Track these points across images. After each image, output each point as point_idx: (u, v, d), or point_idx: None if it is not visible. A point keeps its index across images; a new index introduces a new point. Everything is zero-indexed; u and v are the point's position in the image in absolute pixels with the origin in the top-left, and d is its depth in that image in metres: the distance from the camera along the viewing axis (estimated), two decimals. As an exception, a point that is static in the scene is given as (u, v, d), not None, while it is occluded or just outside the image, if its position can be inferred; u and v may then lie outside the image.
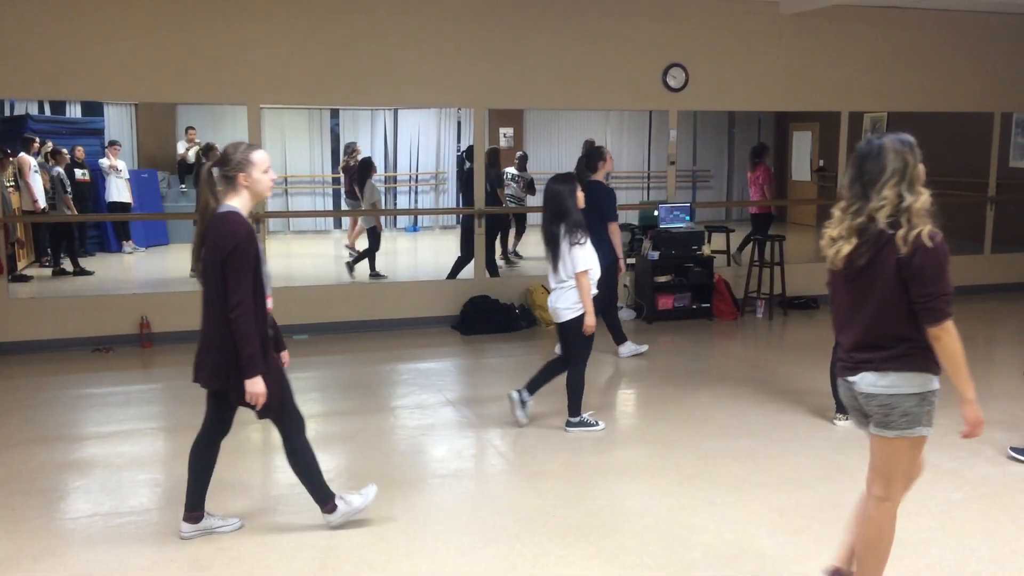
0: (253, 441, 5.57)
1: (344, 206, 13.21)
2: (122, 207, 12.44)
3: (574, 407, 5.50)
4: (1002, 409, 5.87)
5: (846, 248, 3.00)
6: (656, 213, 8.96)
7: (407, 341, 8.02)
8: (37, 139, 11.56)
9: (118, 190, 12.42)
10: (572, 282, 5.27)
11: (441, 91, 8.37)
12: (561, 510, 4.31)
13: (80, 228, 12.80)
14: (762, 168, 11.08)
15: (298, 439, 3.99)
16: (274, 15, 7.74)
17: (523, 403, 5.53)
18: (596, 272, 5.31)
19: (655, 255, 8.63)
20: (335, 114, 16.07)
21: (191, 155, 14.39)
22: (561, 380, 5.51)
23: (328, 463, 5.00)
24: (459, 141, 16.56)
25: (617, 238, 7.01)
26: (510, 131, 16.50)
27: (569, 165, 17.05)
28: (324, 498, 4.05)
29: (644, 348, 7.49)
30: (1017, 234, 10.81)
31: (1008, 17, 9.76)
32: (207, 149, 11.78)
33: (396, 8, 8.05)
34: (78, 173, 12.23)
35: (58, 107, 13.93)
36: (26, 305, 8.04)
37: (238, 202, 3.72)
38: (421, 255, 13.29)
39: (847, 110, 9.65)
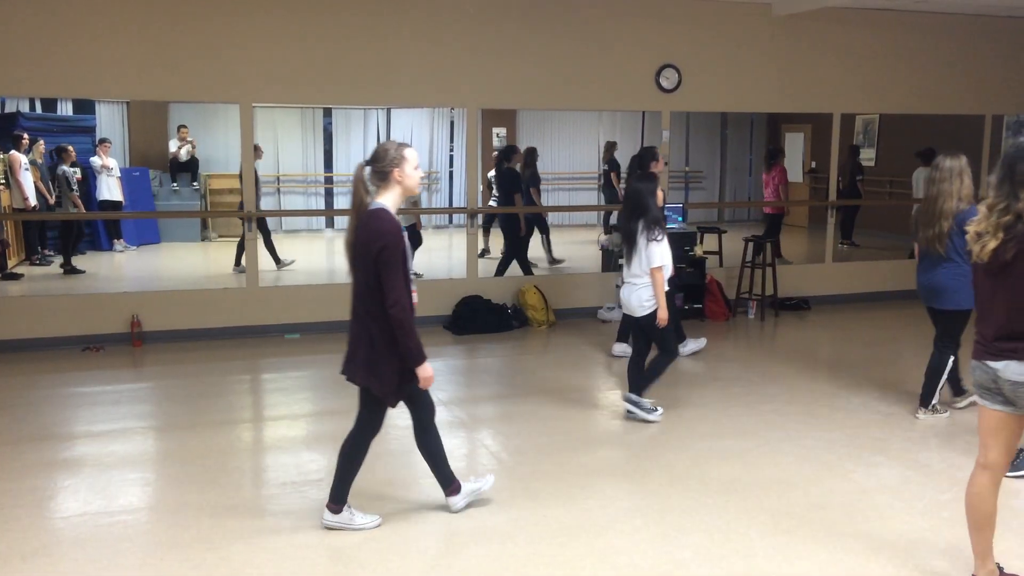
0: (243, 440, 5.56)
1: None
2: (113, 205, 12.39)
3: (644, 386, 5.69)
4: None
5: (992, 243, 3.23)
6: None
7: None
8: (27, 136, 11.50)
9: (109, 189, 12.37)
10: (647, 278, 5.48)
11: (434, 91, 8.36)
12: (552, 510, 4.31)
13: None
14: (778, 169, 11.17)
15: (430, 428, 4.15)
16: (267, 13, 7.72)
17: (638, 404, 5.68)
18: (669, 269, 5.53)
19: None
20: (328, 113, 16.04)
21: (183, 153, 14.35)
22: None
23: (319, 462, 5.01)
24: (452, 141, 16.56)
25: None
26: (503, 131, 16.50)
27: (565, 165, 17.17)
28: (448, 482, 4.22)
29: (702, 342, 7.55)
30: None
31: (999, 20, 9.80)
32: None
33: (390, 7, 8.03)
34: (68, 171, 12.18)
35: (49, 104, 13.87)
36: (16, 303, 8.01)
37: (389, 198, 3.89)
38: (417, 254, 13.28)
39: (839, 112, 9.67)
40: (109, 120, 14.59)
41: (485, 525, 4.15)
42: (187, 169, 14.47)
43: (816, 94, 9.49)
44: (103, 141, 12.74)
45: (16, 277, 10.60)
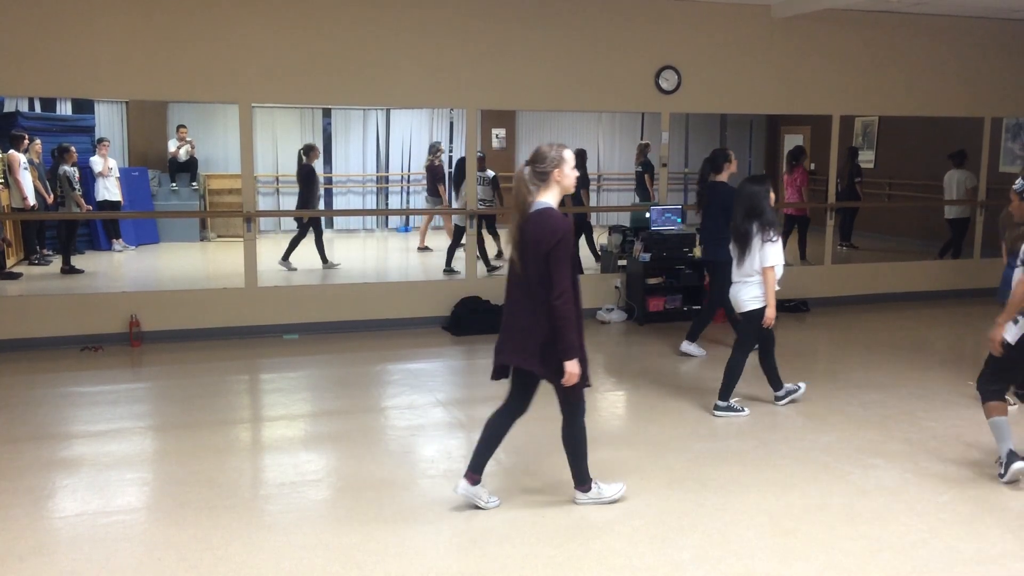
0: (244, 440, 5.55)
1: (424, 204, 13.48)
2: (112, 206, 12.38)
3: (726, 391, 5.85)
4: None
5: None
6: (648, 215, 8.98)
7: (398, 341, 8.01)
8: (27, 136, 11.49)
9: (107, 188, 12.36)
10: (757, 277, 5.64)
11: (433, 91, 8.36)
12: (551, 511, 4.31)
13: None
14: (799, 171, 11.20)
15: (579, 420, 4.28)
16: (266, 13, 7.72)
17: (789, 393, 6.01)
18: (781, 269, 5.65)
19: (646, 257, 8.64)
20: (327, 113, 16.03)
21: (182, 153, 14.34)
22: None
23: (317, 462, 5.00)
24: (451, 141, 16.54)
25: None
26: (502, 132, 16.51)
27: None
28: (582, 480, 4.35)
29: (704, 354, 7.51)
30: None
31: (999, 23, 9.81)
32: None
33: (389, 8, 8.03)
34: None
35: (48, 104, 13.86)
36: (14, 303, 7.99)
37: (550, 197, 4.07)
38: (412, 255, 13.27)
39: (838, 114, 9.68)
40: (108, 120, 14.59)
41: (483, 526, 4.14)
42: (186, 169, 14.46)
43: (815, 96, 9.50)
44: (102, 141, 12.73)
45: (15, 276, 10.59)
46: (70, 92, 9.77)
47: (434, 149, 13.07)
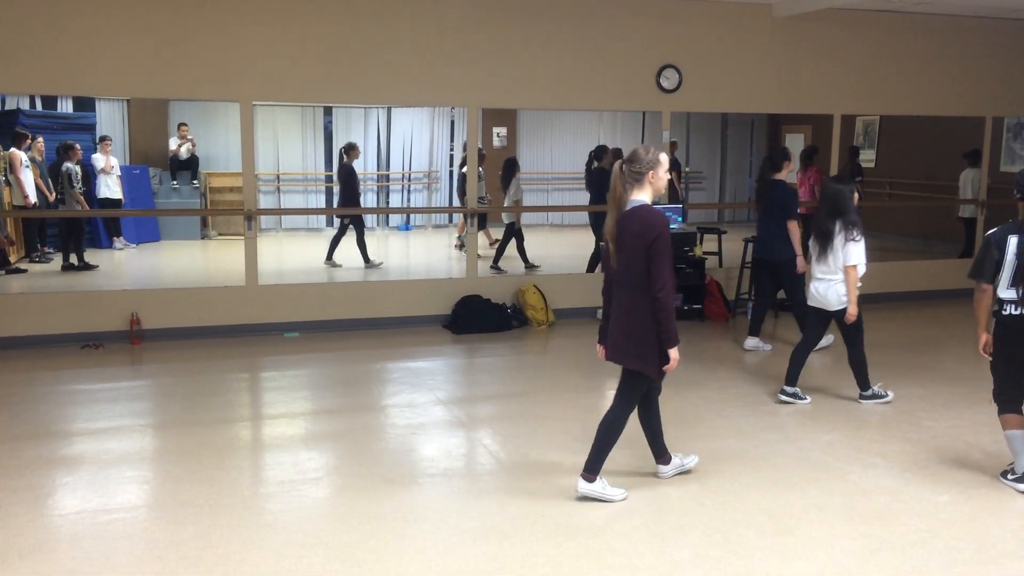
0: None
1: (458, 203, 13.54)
2: (113, 203, 12.39)
3: (863, 382, 6.10)
4: (989, 412, 5.87)
5: None
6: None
7: (398, 340, 8.01)
8: (29, 134, 11.50)
9: (108, 187, 12.37)
10: (841, 275, 5.79)
11: (435, 90, 8.36)
12: (550, 510, 4.31)
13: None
14: (813, 170, 11.21)
15: (625, 414, 4.45)
16: (268, 12, 7.71)
17: (795, 396, 6.08)
18: (863, 268, 5.80)
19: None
20: (328, 112, 16.03)
21: (183, 151, 14.34)
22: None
23: (318, 461, 5.01)
24: (452, 140, 16.55)
25: (796, 235, 7.37)
26: (503, 131, 16.50)
27: (564, 166, 17.16)
28: (593, 469, 4.43)
29: (768, 348, 7.70)
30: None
31: (1000, 22, 9.80)
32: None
33: (390, 6, 8.03)
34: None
35: (49, 102, 13.86)
36: (15, 300, 7.99)
37: (645, 195, 4.25)
38: (413, 254, 13.28)
39: (839, 113, 9.67)
40: (109, 118, 14.58)
41: (482, 524, 4.15)
42: (187, 167, 14.47)
43: (816, 95, 9.49)
44: (104, 139, 12.74)
45: (19, 271, 10.64)
46: (71, 90, 9.78)
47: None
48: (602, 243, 4.41)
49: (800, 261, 7.36)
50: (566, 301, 8.86)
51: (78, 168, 11.63)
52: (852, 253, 5.73)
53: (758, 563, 3.79)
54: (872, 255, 7.92)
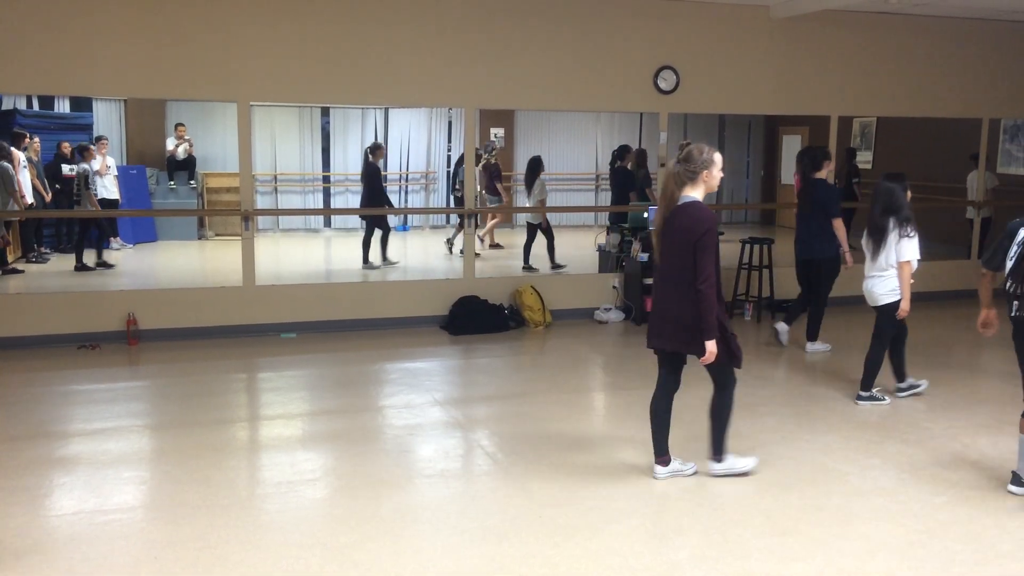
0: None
1: (488, 203, 13.56)
2: (110, 204, 12.35)
3: (867, 383, 6.10)
4: (987, 413, 5.92)
5: None
6: (646, 215, 8.99)
7: (395, 341, 8.01)
8: (26, 134, 11.48)
9: (105, 187, 12.34)
10: (892, 271, 5.85)
11: (432, 91, 8.36)
12: (548, 511, 4.31)
13: (68, 224, 12.74)
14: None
15: (728, 392, 4.64)
16: (266, 12, 7.71)
17: (911, 387, 6.23)
18: (915, 264, 5.85)
19: (644, 257, 8.64)
20: (325, 112, 16.02)
21: (180, 152, 14.32)
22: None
23: (315, 461, 5.00)
24: (450, 141, 16.55)
25: (842, 233, 7.41)
26: (501, 131, 16.50)
27: (563, 166, 17.16)
28: (719, 450, 4.70)
29: (829, 347, 7.73)
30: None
31: (996, 24, 9.82)
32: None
33: (388, 7, 8.03)
34: (66, 168, 12.16)
35: (46, 102, 13.84)
36: (12, 301, 7.98)
37: (697, 193, 4.41)
38: (411, 255, 13.26)
39: (836, 114, 9.68)
40: (106, 118, 14.56)
41: (480, 525, 4.14)
42: (184, 167, 14.45)
43: (814, 97, 9.50)
44: (100, 139, 12.71)
45: (16, 272, 10.62)
46: (68, 90, 9.76)
47: (490, 148, 13.24)
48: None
49: (848, 257, 7.45)
50: (563, 302, 8.86)
51: (70, 168, 11.61)
52: (906, 249, 5.79)
53: (756, 564, 3.79)
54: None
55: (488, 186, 12.89)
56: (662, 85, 8.91)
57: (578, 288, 9.10)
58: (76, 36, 7.29)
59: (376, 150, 11.70)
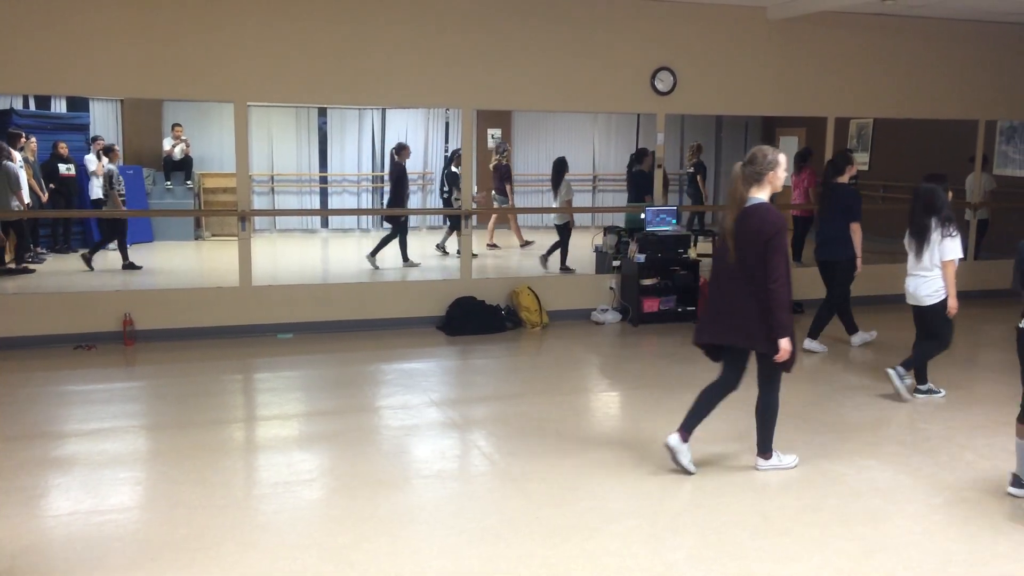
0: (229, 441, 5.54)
1: (495, 203, 13.75)
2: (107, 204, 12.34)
3: (922, 376, 6.31)
4: (983, 414, 5.92)
5: None
6: (643, 216, 8.99)
7: (392, 341, 8.00)
8: (23, 134, 11.46)
9: (100, 188, 12.32)
10: (936, 271, 5.95)
11: (429, 91, 8.36)
12: (545, 511, 4.31)
13: (65, 224, 12.72)
14: (807, 172, 11.23)
15: (775, 394, 4.76)
16: (263, 12, 7.70)
17: (900, 377, 6.18)
18: (958, 262, 5.96)
19: (641, 258, 8.65)
20: (323, 113, 16.01)
21: (177, 152, 14.31)
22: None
23: (311, 462, 5.00)
24: (447, 141, 16.54)
25: (858, 238, 7.55)
26: (498, 132, 16.50)
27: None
28: (766, 449, 4.86)
29: (873, 334, 7.99)
30: (1000, 241, 10.90)
31: (993, 26, 9.84)
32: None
33: (386, 8, 8.03)
34: (62, 168, 12.15)
35: (43, 102, 13.82)
36: (7, 301, 7.96)
37: (763, 194, 4.54)
38: (409, 255, 13.25)
39: (833, 116, 9.70)
40: (103, 118, 14.55)
41: (477, 526, 4.14)
42: (181, 168, 14.43)
43: (810, 98, 9.52)
44: (95, 139, 12.69)
45: (28, 272, 10.64)
46: (65, 90, 9.75)
47: (501, 148, 13.29)
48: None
49: (859, 262, 7.58)
50: (560, 303, 8.86)
51: (67, 168, 11.60)
52: (949, 248, 5.87)
53: (752, 564, 3.79)
54: (867, 258, 7.96)
55: (497, 186, 12.97)
56: (659, 86, 8.92)
57: (575, 289, 9.10)
58: (73, 36, 7.28)
59: (401, 150, 11.77)
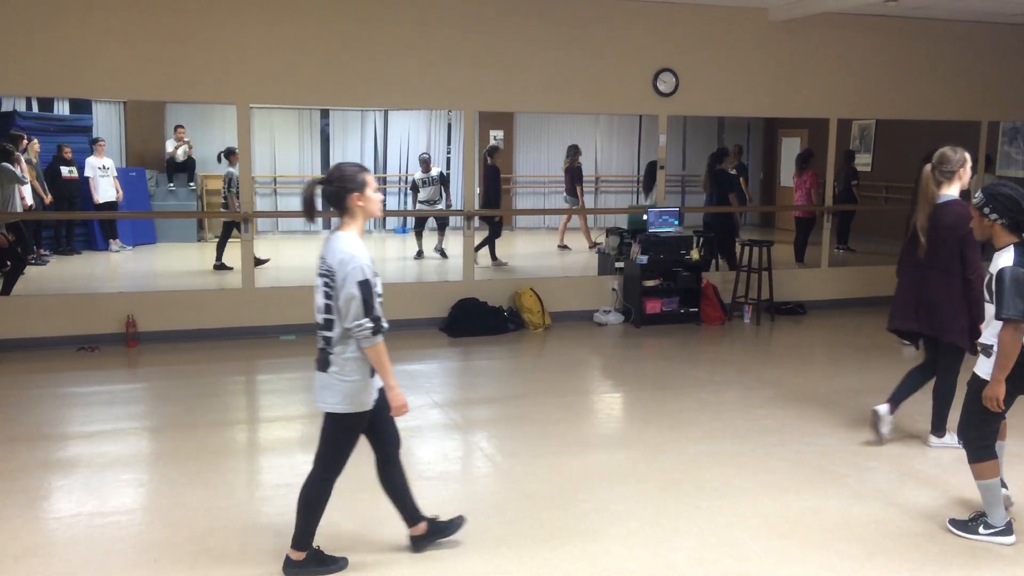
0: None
1: (566, 205, 13.87)
2: (109, 205, 12.38)
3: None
4: (986, 416, 5.90)
5: None
6: (645, 217, 8.99)
7: (394, 343, 7.91)
8: (25, 136, 11.48)
9: (104, 189, 12.36)
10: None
11: (432, 93, 8.37)
12: (547, 513, 4.31)
13: (68, 226, 12.74)
14: (809, 173, 11.22)
15: (953, 378, 5.06)
16: (265, 14, 7.72)
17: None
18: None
19: (643, 259, 8.65)
20: (325, 114, 16.02)
21: (180, 154, 14.32)
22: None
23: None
24: (449, 143, 16.55)
25: None
26: (500, 133, 16.51)
27: (558, 168, 17.12)
28: (939, 428, 5.21)
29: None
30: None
31: (995, 27, 9.83)
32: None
33: (387, 9, 8.04)
34: (64, 171, 12.17)
35: (46, 104, 13.84)
36: (11, 302, 7.97)
37: (954, 190, 4.88)
38: (410, 256, 13.25)
39: (835, 117, 9.69)
40: (106, 120, 14.56)
41: (479, 527, 4.14)
42: (184, 169, 14.45)
43: (813, 99, 9.51)
44: (97, 140, 12.72)
45: (43, 263, 10.74)
46: (68, 91, 9.75)
47: (573, 151, 13.42)
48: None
49: None
50: (562, 304, 8.86)
51: (69, 170, 11.61)
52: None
53: (754, 566, 3.79)
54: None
55: (568, 188, 13.22)
56: (661, 87, 8.92)
57: (577, 290, 9.10)
58: (76, 38, 7.30)
59: (494, 152, 11.84)
